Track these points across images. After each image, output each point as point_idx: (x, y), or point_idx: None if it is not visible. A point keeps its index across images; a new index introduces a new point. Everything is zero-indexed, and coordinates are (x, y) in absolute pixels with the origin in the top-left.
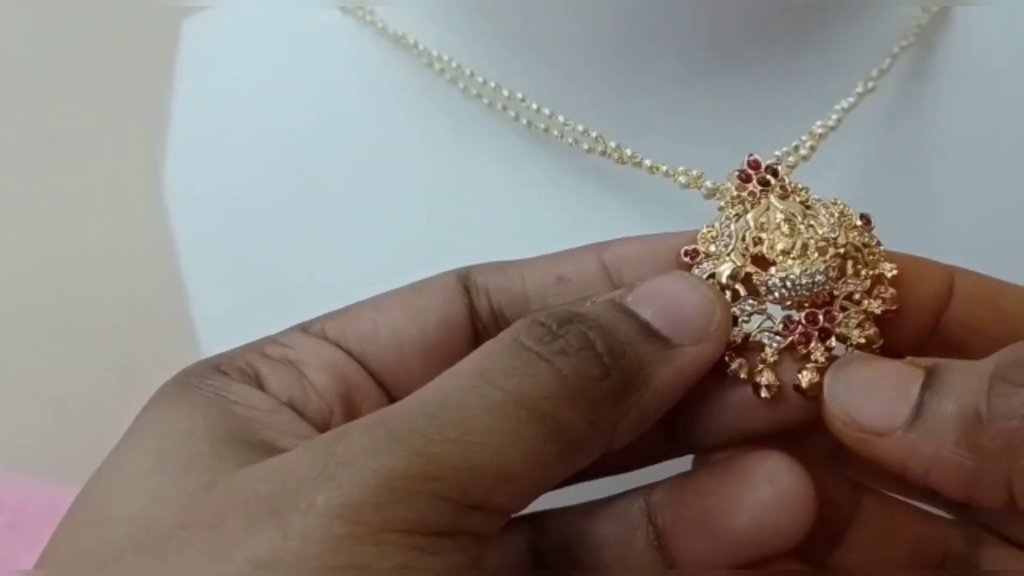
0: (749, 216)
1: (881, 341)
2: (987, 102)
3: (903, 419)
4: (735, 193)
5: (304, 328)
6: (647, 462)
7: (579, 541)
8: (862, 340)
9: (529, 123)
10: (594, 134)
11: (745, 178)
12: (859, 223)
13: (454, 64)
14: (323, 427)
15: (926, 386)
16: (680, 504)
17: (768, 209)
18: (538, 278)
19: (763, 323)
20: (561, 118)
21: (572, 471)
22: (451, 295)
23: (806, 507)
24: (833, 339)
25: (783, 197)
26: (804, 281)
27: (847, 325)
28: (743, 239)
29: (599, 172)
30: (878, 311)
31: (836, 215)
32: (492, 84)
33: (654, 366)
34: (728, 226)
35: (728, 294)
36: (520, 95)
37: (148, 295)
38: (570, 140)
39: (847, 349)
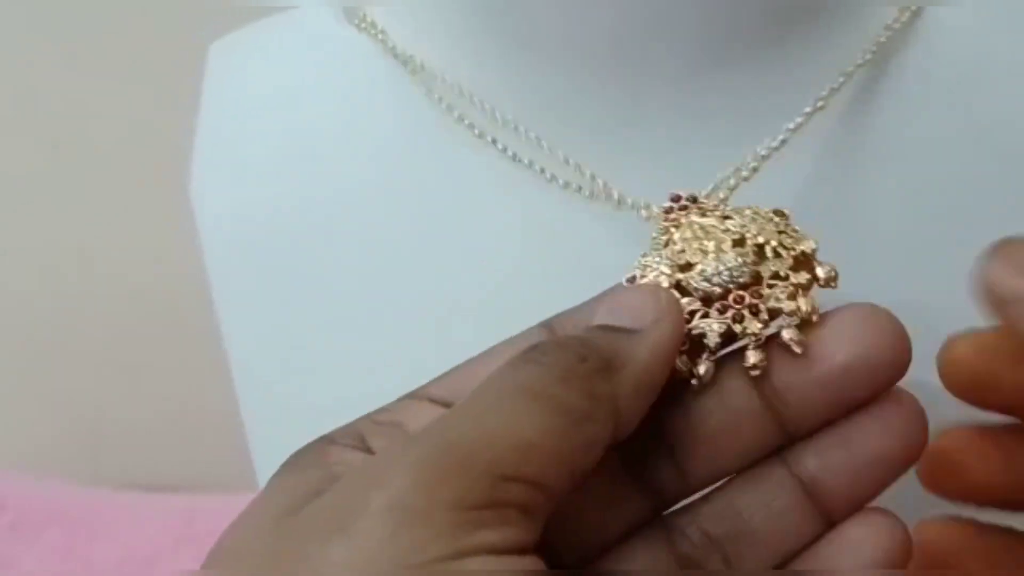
0: (676, 235)
1: (818, 309)
2: (940, 114)
3: None
4: (661, 223)
5: (411, 395)
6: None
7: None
8: (794, 308)
9: (514, 155)
10: (588, 173)
11: (668, 210)
12: (775, 218)
13: (457, 88)
14: None
15: None
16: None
17: (690, 226)
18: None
19: (699, 316)
20: (561, 154)
21: (597, 445)
22: None
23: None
24: (765, 312)
25: (702, 215)
26: (721, 270)
27: (777, 298)
28: (670, 255)
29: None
30: (805, 281)
31: (750, 216)
32: (500, 117)
33: (628, 348)
34: (658, 248)
35: None
36: (528, 131)
37: (151, 297)
38: (548, 174)
39: (785, 322)
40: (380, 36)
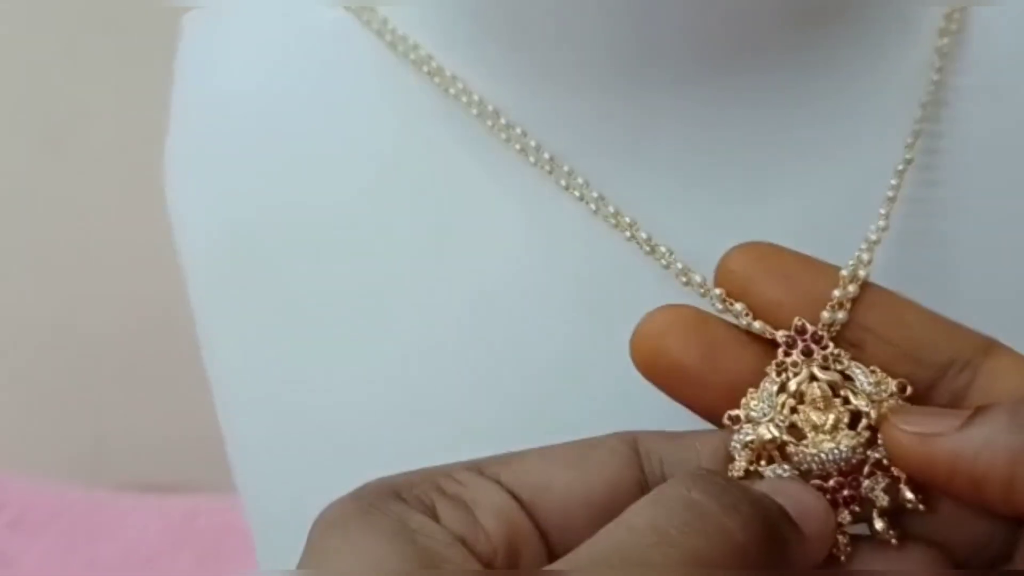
0: (791, 384)
1: (920, 499)
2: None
3: (960, 423)
4: (780, 359)
5: (480, 470)
6: None
7: None
8: (885, 505)
9: (522, 148)
10: (611, 208)
11: (791, 343)
12: (895, 390)
13: (459, 83)
14: (488, 566)
15: (980, 410)
16: None
17: (809, 380)
18: (714, 451)
19: None
20: (567, 167)
21: None
22: (623, 462)
23: None
24: (858, 504)
25: (824, 367)
26: (832, 458)
27: (872, 490)
28: (782, 407)
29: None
30: (904, 475)
31: (873, 384)
32: (502, 119)
33: (790, 546)
34: (771, 394)
35: (765, 458)
36: (534, 142)
37: (149, 298)
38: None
39: (875, 515)
40: (375, 24)
